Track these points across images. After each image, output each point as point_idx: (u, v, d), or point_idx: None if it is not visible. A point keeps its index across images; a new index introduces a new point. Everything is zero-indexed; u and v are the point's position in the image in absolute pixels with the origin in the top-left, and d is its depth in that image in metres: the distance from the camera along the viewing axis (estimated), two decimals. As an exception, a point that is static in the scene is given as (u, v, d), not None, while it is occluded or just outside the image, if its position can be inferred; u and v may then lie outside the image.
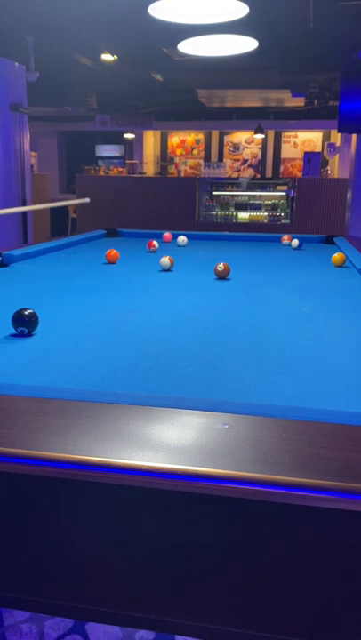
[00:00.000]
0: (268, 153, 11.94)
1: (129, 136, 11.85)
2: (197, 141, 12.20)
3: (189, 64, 6.37)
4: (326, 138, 11.34)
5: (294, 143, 11.80)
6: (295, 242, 3.22)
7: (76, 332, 1.42)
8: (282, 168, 11.89)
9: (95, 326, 1.49)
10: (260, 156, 12.00)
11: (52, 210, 9.08)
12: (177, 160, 12.31)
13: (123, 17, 4.76)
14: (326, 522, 0.68)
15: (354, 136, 6.44)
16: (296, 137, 11.75)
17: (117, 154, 12.29)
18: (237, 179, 9.33)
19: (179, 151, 12.33)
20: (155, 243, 2.97)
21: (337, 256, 2.51)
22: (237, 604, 0.74)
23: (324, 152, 10.72)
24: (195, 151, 12.25)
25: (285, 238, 3.42)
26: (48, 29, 5.40)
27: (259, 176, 11.40)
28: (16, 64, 5.82)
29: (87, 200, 3.22)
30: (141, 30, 4.93)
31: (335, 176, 9.99)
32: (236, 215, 8.28)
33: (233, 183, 8.71)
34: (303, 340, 1.37)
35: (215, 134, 12.03)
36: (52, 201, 9.54)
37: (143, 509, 0.73)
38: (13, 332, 1.32)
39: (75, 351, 1.25)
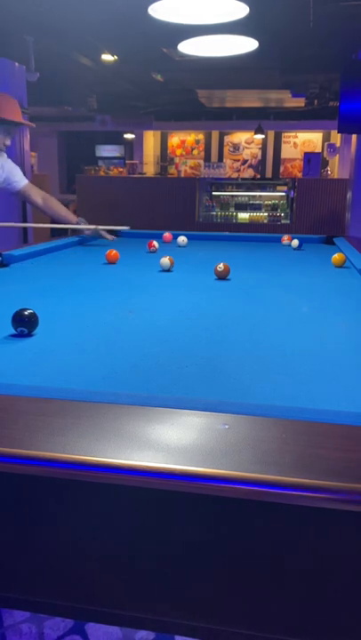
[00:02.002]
0: (268, 153, 11.95)
1: (129, 136, 11.85)
2: (197, 142, 12.20)
3: (189, 64, 6.37)
4: (326, 138, 11.34)
5: (294, 143, 11.80)
6: (295, 242, 3.21)
7: (76, 332, 1.42)
8: (282, 168, 11.90)
9: (95, 326, 1.49)
10: (260, 157, 12.01)
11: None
12: (177, 160, 12.31)
13: (123, 17, 4.76)
14: (327, 522, 0.68)
15: (354, 136, 6.44)
16: (296, 137, 11.75)
17: (117, 154, 12.29)
18: (237, 179, 9.33)
19: (179, 151, 12.33)
20: (155, 243, 2.96)
21: (337, 256, 2.51)
22: (237, 604, 0.74)
23: (324, 152, 10.72)
24: (195, 151, 12.25)
25: (285, 238, 3.42)
26: (48, 29, 5.40)
27: (259, 176, 11.40)
28: (16, 64, 5.81)
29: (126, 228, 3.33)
30: (141, 30, 4.93)
31: (335, 176, 9.99)
32: (236, 215, 8.28)
33: (233, 183, 8.70)
34: (303, 340, 1.37)
35: (215, 134, 12.03)
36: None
37: (143, 509, 0.73)
38: (13, 332, 1.32)
39: (75, 351, 1.25)
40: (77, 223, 3.16)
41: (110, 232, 3.29)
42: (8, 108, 2.77)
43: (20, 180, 3.04)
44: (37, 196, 3.13)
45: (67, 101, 9.66)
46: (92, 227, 3.18)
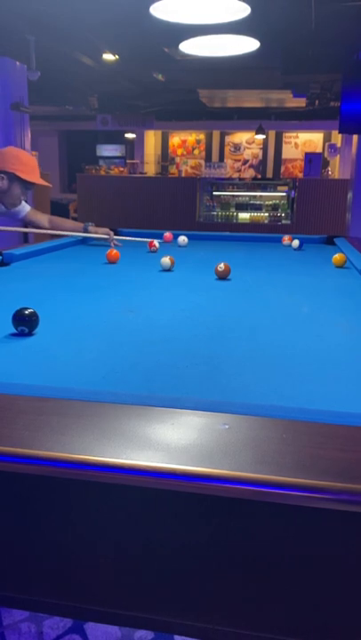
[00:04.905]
0: (269, 153, 11.95)
1: (130, 136, 11.86)
2: (198, 141, 12.21)
3: (191, 64, 6.37)
4: (327, 138, 11.35)
5: (295, 144, 11.81)
6: (296, 242, 3.21)
7: (76, 332, 1.42)
8: (283, 168, 11.90)
9: (96, 326, 1.49)
10: (261, 157, 12.01)
11: (53, 208, 9.10)
12: (178, 160, 12.32)
13: (124, 17, 4.76)
14: (327, 522, 0.68)
15: (355, 137, 6.44)
16: (297, 137, 11.75)
17: (118, 153, 12.29)
18: (238, 179, 9.33)
19: (180, 151, 12.34)
20: (155, 242, 2.96)
21: (337, 257, 2.51)
22: (237, 604, 0.74)
23: (325, 153, 10.72)
24: (196, 151, 12.26)
25: (286, 239, 3.41)
26: (49, 29, 5.41)
27: (260, 176, 11.40)
28: (17, 63, 5.82)
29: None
30: (143, 30, 4.93)
31: (336, 177, 9.99)
32: (237, 215, 8.28)
33: (234, 183, 8.70)
34: (304, 340, 1.37)
35: (216, 134, 12.04)
36: (52, 201, 9.57)
37: (142, 509, 0.73)
38: (14, 331, 1.32)
39: (75, 350, 1.25)
40: (85, 228, 3.17)
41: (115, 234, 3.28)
42: (28, 167, 2.82)
43: (22, 209, 3.07)
44: (43, 219, 3.18)
45: (68, 100, 9.66)
46: (105, 236, 3.16)
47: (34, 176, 2.85)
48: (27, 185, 2.85)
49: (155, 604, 0.76)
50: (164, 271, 2.30)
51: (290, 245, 3.29)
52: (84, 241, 3.26)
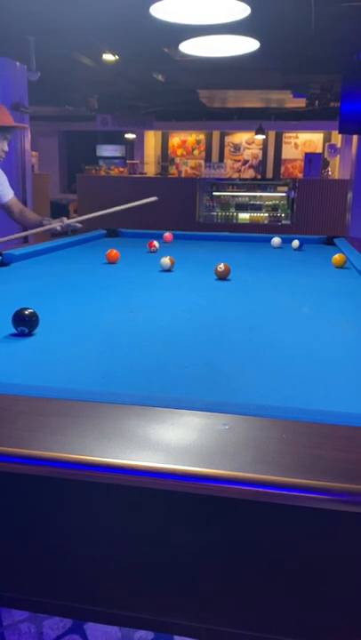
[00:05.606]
0: (269, 154, 11.94)
1: (130, 136, 11.84)
2: (198, 142, 12.20)
3: (191, 64, 6.37)
4: (327, 139, 11.34)
5: (295, 144, 11.80)
6: (295, 242, 3.21)
7: (76, 332, 1.42)
8: (283, 169, 11.89)
9: (95, 326, 1.49)
10: (260, 157, 12.00)
11: (53, 209, 9.09)
12: (178, 160, 12.31)
13: (124, 17, 4.76)
14: (327, 523, 0.68)
15: (355, 137, 6.44)
16: (297, 138, 11.75)
17: (118, 154, 12.27)
18: (238, 179, 9.33)
19: (180, 151, 12.33)
20: (155, 243, 2.96)
21: (337, 257, 2.51)
22: (237, 605, 0.74)
23: (325, 153, 10.72)
24: (195, 151, 12.25)
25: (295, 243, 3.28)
26: (49, 29, 5.40)
27: (260, 177, 11.40)
28: (17, 63, 5.81)
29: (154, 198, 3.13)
30: (143, 30, 4.93)
31: (336, 177, 9.99)
32: (237, 216, 8.27)
33: (234, 184, 8.70)
34: (303, 340, 1.37)
35: (216, 135, 12.03)
36: (52, 201, 9.56)
37: (142, 509, 0.73)
38: (13, 331, 1.32)
39: (75, 351, 1.25)
40: (42, 222, 3.15)
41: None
42: None
43: (8, 193, 3.06)
44: (16, 209, 3.23)
45: (68, 101, 9.66)
46: (59, 222, 3.13)
47: (6, 119, 2.79)
48: (2, 132, 2.80)
49: (155, 604, 0.76)
50: (164, 271, 2.30)
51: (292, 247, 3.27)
52: (83, 241, 3.26)
